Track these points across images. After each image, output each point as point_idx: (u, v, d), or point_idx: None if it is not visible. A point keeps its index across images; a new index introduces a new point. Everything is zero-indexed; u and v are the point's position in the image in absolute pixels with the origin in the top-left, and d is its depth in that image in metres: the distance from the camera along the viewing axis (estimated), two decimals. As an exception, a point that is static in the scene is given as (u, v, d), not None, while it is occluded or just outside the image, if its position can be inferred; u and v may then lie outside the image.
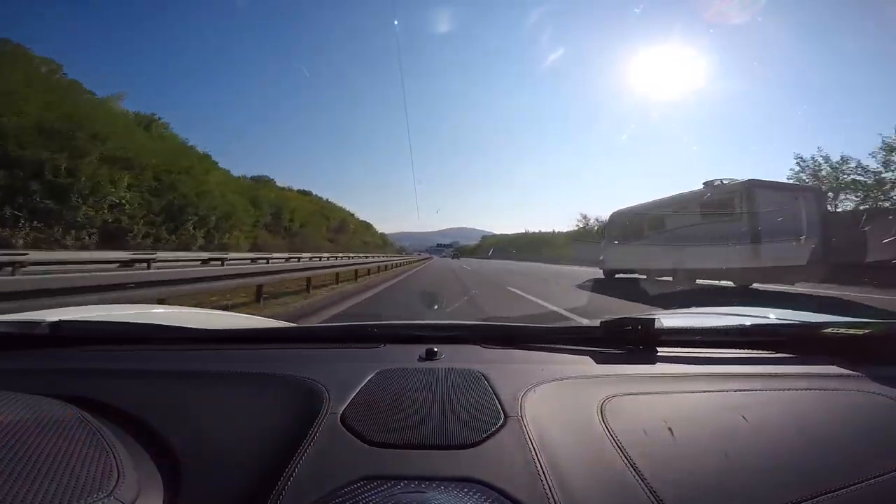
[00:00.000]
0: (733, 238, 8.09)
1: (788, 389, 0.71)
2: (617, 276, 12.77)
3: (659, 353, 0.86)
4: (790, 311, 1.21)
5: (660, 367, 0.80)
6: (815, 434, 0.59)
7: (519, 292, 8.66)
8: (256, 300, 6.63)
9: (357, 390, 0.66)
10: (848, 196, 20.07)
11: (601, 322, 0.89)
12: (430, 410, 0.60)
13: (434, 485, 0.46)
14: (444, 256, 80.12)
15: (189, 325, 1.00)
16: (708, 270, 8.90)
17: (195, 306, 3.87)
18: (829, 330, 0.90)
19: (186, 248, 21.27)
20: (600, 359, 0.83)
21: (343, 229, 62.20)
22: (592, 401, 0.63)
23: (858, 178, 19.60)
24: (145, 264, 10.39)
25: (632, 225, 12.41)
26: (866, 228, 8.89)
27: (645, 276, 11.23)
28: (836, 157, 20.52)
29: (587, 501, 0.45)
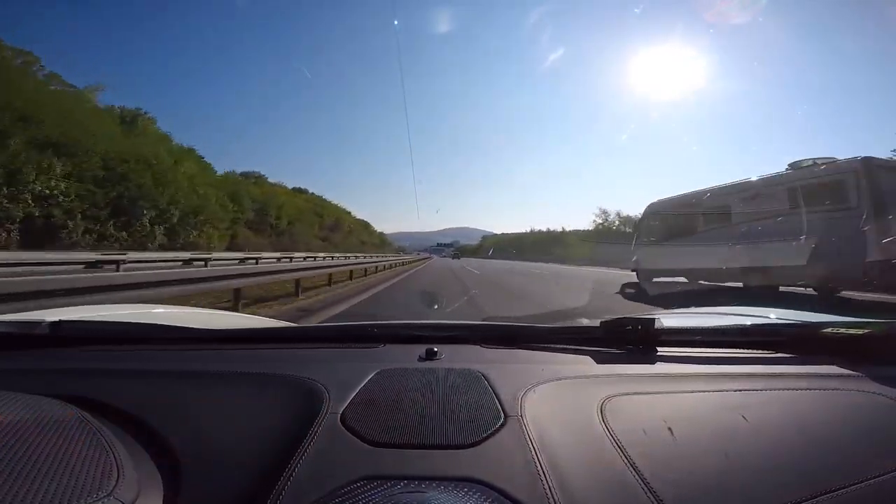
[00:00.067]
0: (842, 232, 6.26)
1: (788, 389, 0.71)
2: (656, 280, 10.41)
3: (659, 353, 0.86)
4: (790, 311, 1.21)
5: (660, 367, 0.80)
6: (815, 434, 0.59)
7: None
8: (234, 307, 5.67)
9: (357, 390, 0.66)
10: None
11: (601, 322, 0.89)
12: (430, 410, 0.60)
13: (434, 485, 0.46)
14: (445, 256, 79.73)
15: (189, 325, 1.00)
16: (799, 273, 6.91)
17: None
18: (829, 330, 0.90)
19: (142, 247, 18.53)
20: (600, 359, 0.83)
21: (338, 228, 60.51)
22: (592, 401, 0.63)
23: None
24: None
25: (677, 219, 10.17)
26: None
27: (700, 281, 9.20)
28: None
29: (587, 501, 0.45)
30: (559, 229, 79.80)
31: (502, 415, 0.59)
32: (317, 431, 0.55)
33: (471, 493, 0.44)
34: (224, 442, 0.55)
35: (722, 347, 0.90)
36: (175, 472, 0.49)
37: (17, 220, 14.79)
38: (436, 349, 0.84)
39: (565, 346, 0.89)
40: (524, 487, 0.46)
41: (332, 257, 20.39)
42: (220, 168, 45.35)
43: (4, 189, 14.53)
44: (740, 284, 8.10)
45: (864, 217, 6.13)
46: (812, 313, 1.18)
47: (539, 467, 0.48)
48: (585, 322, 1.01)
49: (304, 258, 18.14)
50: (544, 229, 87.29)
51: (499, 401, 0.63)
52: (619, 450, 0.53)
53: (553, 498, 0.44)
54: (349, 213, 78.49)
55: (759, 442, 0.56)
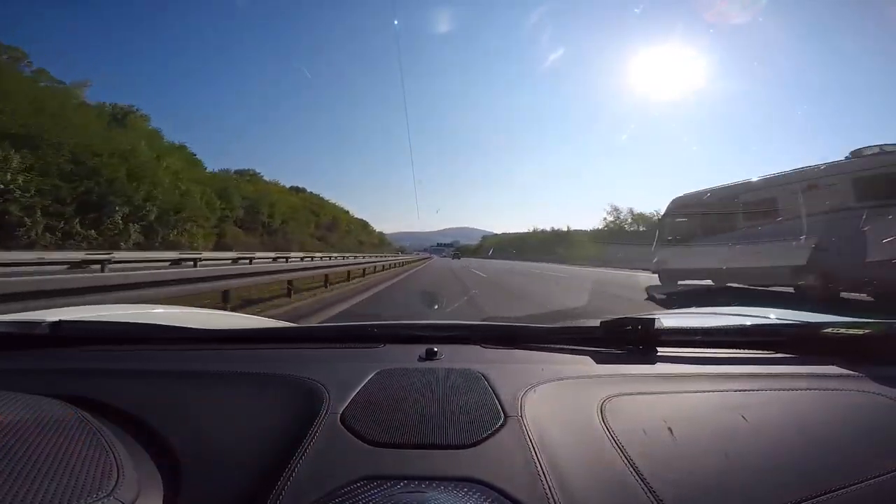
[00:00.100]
0: None
1: (788, 389, 0.71)
2: (681, 282, 9.50)
3: (659, 353, 0.86)
4: (790, 311, 1.21)
5: (660, 367, 0.80)
6: (815, 434, 0.59)
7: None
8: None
9: (357, 390, 0.66)
10: None
11: (601, 322, 0.89)
12: (430, 410, 0.60)
13: (434, 485, 0.46)
14: (445, 256, 79.59)
15: (189, 325, 1.00)
16: (862, 275, 6.06)
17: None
18: (829, 330, 0.90)
19: (115, 247, 17.01)
20: (600, 359, 0.83)
21: (335, 227, 58.87)
22: (592, 401, 0.63)
23: None
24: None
25: (709, 214, 9.16)
26: None
27: (734, 283, 8.30)
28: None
29: (587, 501, 0.45)
30: (564, 228, 75.73)
31: (502, 415, 0.59)
32: (317, 431, 0.54)
33: (471, 493, 0.44)
34: (224, 442, 0.55)
35: (722, 347, 0.90)
36: (175, 472, 0.49)
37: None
38: (436, 349, 0.84)
39: (565, 346, 0.89)
40: (524, 487, 0.46)
41: (330, 257, 19.91)
42: (220, 167, 44.60)
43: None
44: (790, 289, 7.37)
45: None
46: (812, 313, 1.18)
47: (539, 467, 0.48)
48: (585, 322, 1.01)
49: (302, 258, 17.63)
50: (548, 228, 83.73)
51: (499, 401, 0.63)
52: (619, 450, 0.52)
53: (553, 498, 0.44)
54: (347, 212, 76.33)
55: (759, 442, 0.56)
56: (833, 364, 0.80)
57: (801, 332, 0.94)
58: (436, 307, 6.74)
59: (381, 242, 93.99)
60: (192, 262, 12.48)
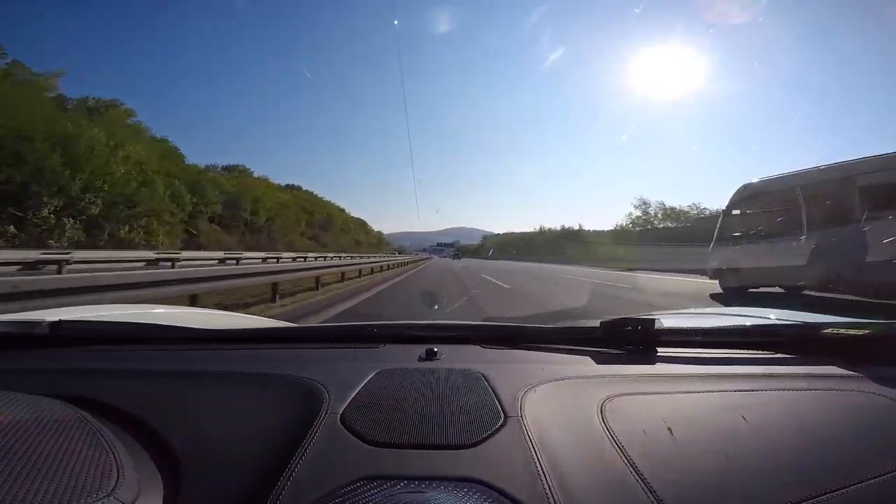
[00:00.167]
0: None
1: (788, 389, 0.71)
2: (752, 290, 7.72)
3: (659, 354, 0.86)
4: (790, 312, 1.21)
5: (660, 368, 0.80)
6: (815, 434, 0.59)
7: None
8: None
9: (357, 390, 0.66)
10: None
11: (601, 322, 0.89)
12: (430, 410, 0.60)
13: (434, 485, 0.46)
14: (445, 256, 79.57)
15: (189, 325, 1.00)
16: None
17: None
18: (829, 330, 0.90)
19: (42, 245, 14.15)
20: (600, 359, 0.83)
21: (329, 226, 55.80)
22: (592, 401, 0.63)
23: None
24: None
25: (797, 205, 6.94)
26: None
27: (834, 292, 6.48)
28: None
29: (587, 501, 0.45)
30: (576, 227, 68.47)
31: (502, 415, 0.59)
32: (317, 431, 0.54)
33: (471, 494, 0.44)
34: (224, 442, 0.55)
35: (722, 348, 0.90)
36: (175, 472, 0.49)
37: None
38: (436, 349, 0.84)
39: (565, 347, 0.89)
40: (524, 487, 0.45)
41: (325, 258, 18.90)
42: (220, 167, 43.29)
43: None
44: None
45: None
46: (812, 314, 1.19)
47: (539, 467, 0.48)
48: (585, 322, 1.01)
49: (294, 258, 16.83)
50: (557, 227, 76.74)
51: (499, 401, 0.62)
52: (619, 450, 0.52)
53: (553, 498, 0.44)
54: (343, 210, 72.53)
55: (759, 442, 0.56)
56: (833, 364, 0.80)
57: (801, 333, 0.94)
58: (436, 307, 6.74)
59: (379, 242, 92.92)
60: (169, 263, 11.46)
